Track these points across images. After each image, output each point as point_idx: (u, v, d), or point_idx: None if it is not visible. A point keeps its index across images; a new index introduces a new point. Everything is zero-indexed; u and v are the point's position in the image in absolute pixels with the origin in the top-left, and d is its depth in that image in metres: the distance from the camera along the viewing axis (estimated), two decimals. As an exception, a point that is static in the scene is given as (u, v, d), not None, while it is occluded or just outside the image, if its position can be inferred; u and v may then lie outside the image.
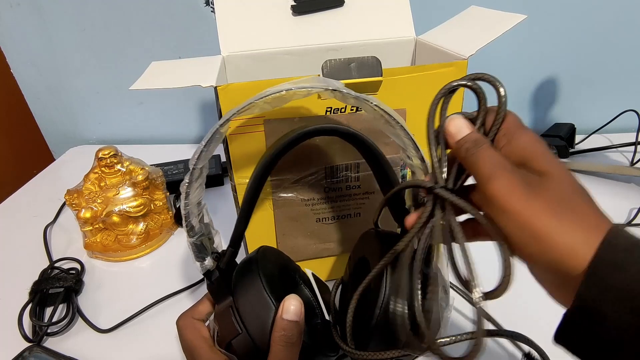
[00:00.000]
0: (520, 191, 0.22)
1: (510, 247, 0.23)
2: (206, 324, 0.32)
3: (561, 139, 0.68)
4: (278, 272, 0.33)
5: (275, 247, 0.42)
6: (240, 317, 0.28)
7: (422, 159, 0.30)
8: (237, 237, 0.32)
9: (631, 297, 0.19)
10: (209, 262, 0.31)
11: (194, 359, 0.29)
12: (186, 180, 0.29)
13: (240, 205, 0.30)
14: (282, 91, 0.28)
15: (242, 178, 0.39)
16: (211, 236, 0.33)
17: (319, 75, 0.35)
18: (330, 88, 0.29)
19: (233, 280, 0.31)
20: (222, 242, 0.34)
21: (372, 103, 0.29)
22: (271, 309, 0.28)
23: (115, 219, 0.53)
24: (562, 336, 0.22)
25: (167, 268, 0.53)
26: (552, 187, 0.22)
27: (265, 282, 0.29)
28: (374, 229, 0.35)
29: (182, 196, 0.30)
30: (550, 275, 0.22)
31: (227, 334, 0.29)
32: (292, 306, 0.28)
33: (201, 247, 0.31)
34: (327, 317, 0.34)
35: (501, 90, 0.25)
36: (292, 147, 0.30)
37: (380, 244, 0.32)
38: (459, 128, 0.25)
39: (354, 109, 0.38)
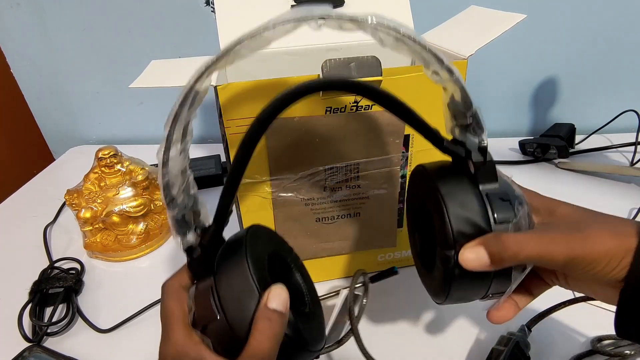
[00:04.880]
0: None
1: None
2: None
3: (561, 139, 0.68)
4: (268, 255, 0.30)
5: None
6: (219, 301, 0.26)
7: (450, 70, 0.27)
8: (222, 212, 0.28)
9: None
10: (191, 237, 0.28)
11: (166, 331, 0.27)
12: (162, 146, 0.26)
13: (225, 183, 0.26)
14: (261, 31, 0.25)
15: (243, 178, 0.39)
16: (197, 209, 0.29)
17: (318, 75, 0.35)
18: (317, 15, 0.25)
19: (217, 259, 0.28)
20: (209, 217, 0.30)
21: (372, 21, 0.25)
22: (255, 296, 0.26)
23: (115, 219, 0.53)
24: (622, 325, 0.25)
25: (167, 268, 0.53)
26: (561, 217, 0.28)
27: (251, 265, 0.27)
28: (421, 166, 0.31)
29: (160, 165, 0.26)
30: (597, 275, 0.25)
31: (204, 316, 0.26)
32: (278, 295, 0.26)
33: (182, 222, 0.28)
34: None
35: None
36: (290, 103, 0.25)
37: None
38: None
39: (354, 108, 0.38)
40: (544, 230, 0.27)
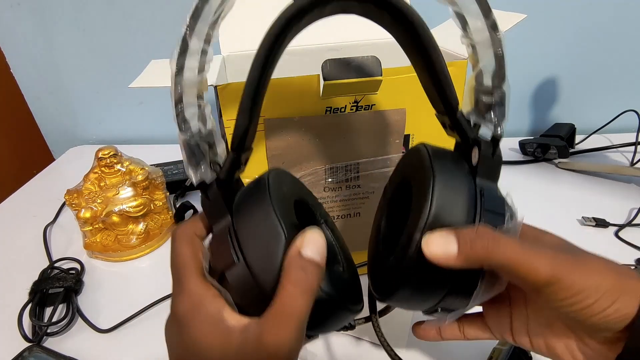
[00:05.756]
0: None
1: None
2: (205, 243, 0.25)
3: (561, 139, 0.68)
4: (294, 201, 0.26)
5: None
6: (239, 243, 0.22)
7: (495, 26, 0.22)
8: (241, 137, 0.23)
9: None
10: (205, 170, 0.24)
11: (179, 283, 0.23)
12: (176, 48, 0.22)
13: (242, 95, 0.22)
14: None
15: (242, 178, 0.39)
16: (212, 142, 0.25)
17: (318, 75, 0.35)
18: None
19: (236, 199, 0.24)
20: (225, 155, 0.27)
21: None
22: (281, 238, 0.21)
23: (115, 219, 0.53)
24: None
25: (167, 268, 0.52)
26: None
27: (276, 205, 0.22)
28: (423, 145, 0.26)
29: (172, 72, 0.22)
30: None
31: (221, 261, 0.22)
32: (314, 241, 0.21)
33: (197, 149, 0.24)
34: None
35: None
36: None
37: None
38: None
39: (354, 108, 0.38)
40: (530, 242, 0.22)
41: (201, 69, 0.23)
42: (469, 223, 0.22)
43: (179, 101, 0.23)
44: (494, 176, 0.24)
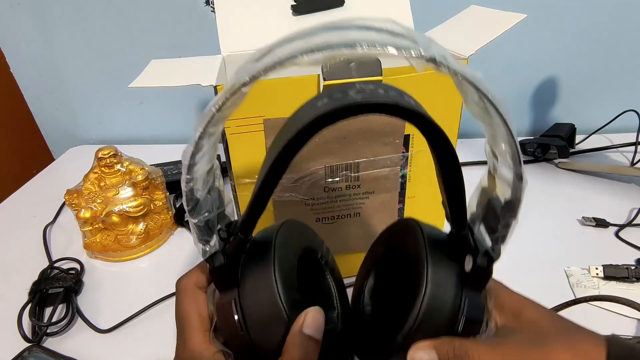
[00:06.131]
0: None
1: None
2: (207, 293, 0.27)
3: (561, 139, 0.68)
4: (298, 263, 0.28)
5: None
6: (244, 319, 0.24)
7: (520, 176, 0.23)
8: (250, 222, 0.25)
9: None
10: (214, 242, 0.26)
11: (182, 337, 0.25)
12: (189, 150, 0.23)
13: (255, 190, 0.23)
14: (340, 46, 0.19)
15: (242, 178, 0.39)
16: (222, 207, 0.27)
17: (318, 75, 0.35)
18: (425, 55, 0.19)
19: (241, 265, 0.26)
20: (235, 212, 0.29)
21: (479, 87, 0.20)
22: (283, 318, 0.24)
23: (115, 219, 0.53)
24: None
25: (167, 268, 0.53)
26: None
27: (279, 281, 0.25)
28: (414, 220, 0.28)
29: (184, 170, 0.24)
30: None
31: (226, 330, 0.25)
32: (315, 321, 0.24)
33: (206, 229, 0.26)
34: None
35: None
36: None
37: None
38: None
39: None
40: (501, 341, 0.24)
41: (212, 145, 0.25)
42: (450, 329, 0.24)
43: (189, 193, 0.25)
44: (480, 287, 0.25)
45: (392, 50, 0.19)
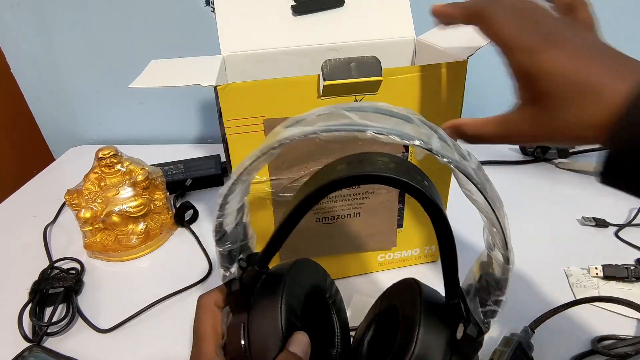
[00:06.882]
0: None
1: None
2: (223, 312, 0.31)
3: (561, 139, 0.68)
4: (306, 300, 0.31)
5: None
6: (248, 340, 0.27)
7: (507, 260, 0.25)
8: (266, 258, 0.29)
9: None
10: (234, 269, 0.29)
11: (197, 348, 0.28)
12: (224, 191, 0.27)
13: (274, 232, 0.27)
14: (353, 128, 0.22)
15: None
16: (245, 239, 0.31)
17: (318, 75, 0.35)
18: (424, 146, 0.22)
19: (255, 294, 0.29)
20: (256, 245, 0.32)
21: (479, 185, 0.23)
22: (279, 342, 0.27)
23: (115, 219, 0.53)
24: (609, 174, 0.24)
25: (167, 268, 0.53)
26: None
27: (284, 311, 0.28)
28: (415, 280, 0.32)
29: (216, 207, 0.27)
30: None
31: (233, 350, 0.28)
32: (299, 341, 0.27)
33: (228, 257, 0.29)
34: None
35: None
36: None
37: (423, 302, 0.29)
38: None
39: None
40: (508, 113, 0.27)
41: (245, 186, 0.28)
42: None
43: (218, 226, 0.28)
44: (470, 356, 0.27)
45: (396, 138, 0.22)
